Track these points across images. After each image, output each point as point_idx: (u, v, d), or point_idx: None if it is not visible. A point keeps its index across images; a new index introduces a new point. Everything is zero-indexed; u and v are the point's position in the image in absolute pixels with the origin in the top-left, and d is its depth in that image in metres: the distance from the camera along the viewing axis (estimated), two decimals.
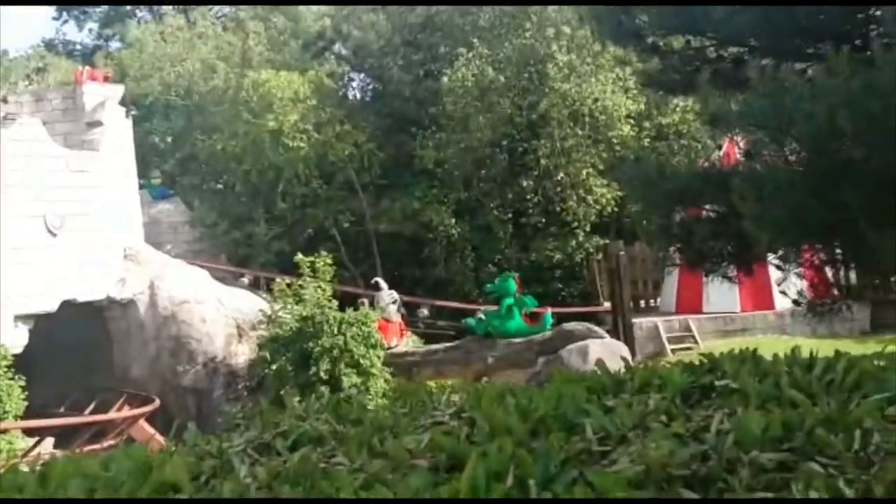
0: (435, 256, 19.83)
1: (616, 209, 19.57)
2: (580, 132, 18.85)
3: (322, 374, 12.69)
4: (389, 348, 14.24)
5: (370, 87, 23.72)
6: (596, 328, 13.55)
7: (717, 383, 1.81)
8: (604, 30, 5.93)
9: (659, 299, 17.71)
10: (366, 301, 15.44)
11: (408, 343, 15.57)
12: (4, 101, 15.63)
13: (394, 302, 15.41)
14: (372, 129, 20.68)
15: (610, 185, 19.31)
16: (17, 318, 13.11)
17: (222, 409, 13.61)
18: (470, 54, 18.79)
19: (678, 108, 19.91)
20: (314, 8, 25.19)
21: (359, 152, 20.03)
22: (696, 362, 2.06)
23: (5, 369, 11.46)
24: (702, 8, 4.83)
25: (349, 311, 13.65)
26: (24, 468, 1.70)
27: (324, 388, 12.70)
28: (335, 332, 13.04)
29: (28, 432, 11.63)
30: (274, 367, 13.08)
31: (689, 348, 14.81)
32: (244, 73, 20.78)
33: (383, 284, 16.06)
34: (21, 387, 11.55)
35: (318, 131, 19.72)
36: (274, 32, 22.48)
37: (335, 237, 20.03)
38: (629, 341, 14.21)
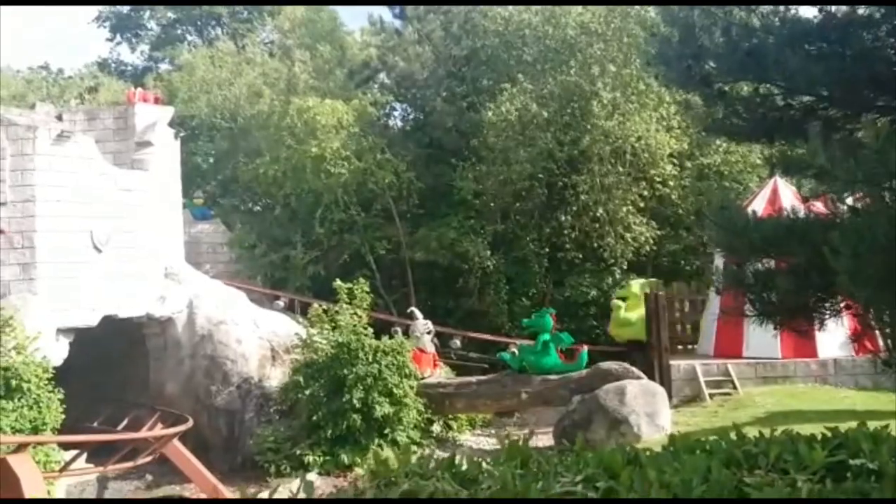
0: (469, 287, 19.78)
1: (654, 248, 19.41)
2: (621, 169, 18.79)
3: (355, 401, 12.66)
4: (422, 378, 14.16)
5: (412, 116, 23.95)
6: (633, 368, 13.34)
7: (851, 462, 1.73)
8: (670, 75, 5.91)
9: (697, 342, 17.39)
10: (399, 329, 15.42)
11: (440, 374, 15.47)
12: (59, 118, 16.06)
13: (428, 332, 15.37)
14: (412, 159, 20.84)
15: (649, 224, 19.19)
16: (60, 331, 13.32)
17: (254, 431, 13.61)
18: (514, 89, 18.90)
19: (720, 149, 19.80)
20: (360, 37, 25.64)
21: (398, 181, 20.19)
22: (818, 435, 1.97)
23: (46, 381, 11.60)
24: (774, 55, 4.79)
25: (384, 339, 13.63)
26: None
27: (356, 416, 12.71)
28: (370, 359, 13.03)
29: (64, 445, 11.73)
30: (307, 392, 13.08)
31: (727, 394, 14.50)
32: (289, 100, 21.12)
33: (418, 314, 16.04)
34: (60, 399, 11.68)
35: (359, 158, 19.92)
36: (320, 61, 22.85)
37: (370, 264, 20.11)
38: (666, 384, 13.95)
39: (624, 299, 17.06)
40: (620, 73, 18.43)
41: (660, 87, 18.02)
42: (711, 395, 14.36)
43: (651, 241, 19.10)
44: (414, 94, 23.00)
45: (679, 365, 14.98)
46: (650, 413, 12.29)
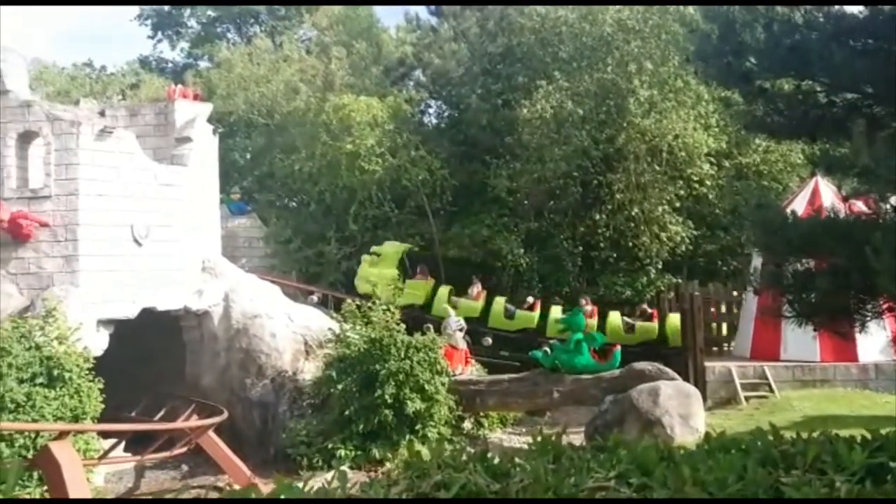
0: (502, 285, 19.73)
1: (690, 248, 19.16)
2: (658, 168, 18.59)
3: (387, 397, 12.71)
4: (454, 375, 14.17)
5: (446, 114, 23.98)
6: (667, 369, 13.18)
7: (892, 465, 1.69)
8: (710, 71, 5.82)
9: (733, 343, 17.14)
10: (431, 326, 15.45)
11: (472, 371, 15.47)
12: (102, 114, 16.40)
13: (461, 329, 15.37)
14: (446, 156, 20.87)
15: (685, 223, 18.95)
16: (100, 322, 13.61)
17: (287, 424, 13.75)
18: (549, 86, 18.80)
19: (759, 148, 19.47)
20: (396, 34, 25.74)
21: (432, 178, 20.23)
22: (857, 438, 1.93)
23: (86, 371, 11.86)
24: (818, 51, 4.68)
25: (417, 335, 13.67)
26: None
27: (387, 412, 12.77)
28: (402, 355, 13.07)
29: (103, 434, 12.00)
30: (339, 386, 13.17)
31: (763, 396, 14.28)
32: (325, 96, 21.30)
33: (451, 311, 16.05)
34: (99, 389, 11.93)
35: (393, 155, 20.01)
36: (356, 58, 22.99)
37: (403, 260, 20.18)
38: (701, 385, 13.76)
39: (378, 255, 18.39)
40: (658, 70, 18.22)
41: (698, 84, 17.80)
42: (747, 398, 14.15)
43: (687, 241, 18.87)
44: (449, 91, 23.03)
45: (714, 367, 14.79)
46: (684, 415, 12.13)
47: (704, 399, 13.25)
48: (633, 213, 18.74)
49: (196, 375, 15.41)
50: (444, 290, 17.87)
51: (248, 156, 25.61)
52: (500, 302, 17.73)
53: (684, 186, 18.86)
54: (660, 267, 19.15)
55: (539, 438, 2.01)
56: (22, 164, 13.91)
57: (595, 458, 1.91)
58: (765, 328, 14.63)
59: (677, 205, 18.89)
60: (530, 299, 17.88)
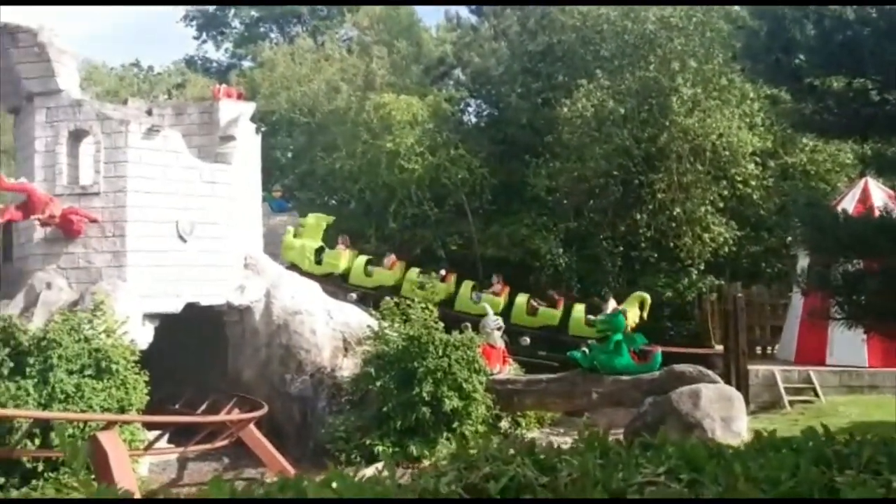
0: (540, 284, 19.65)
1: (734, 249, 18.84)
2: (700, 168, 18.30)
3: (424, 394, 12.76)
4: (492, 374, 14.16)
5: (486, 112, 23.98)
6: (708, 372, 12.98)
7: None
8: (757, 69, 5.71)
9: (777, 347, 16.81)
10: (469, 325, 15.45)
11: (510, 371, 15.44)
12: (149, 113, 16.77)
13: (499, 328, 15.35)
14: (485, 155, 20.86)
15: (728, 224, 18.64)
16: (146, 316, 13.92)
17: (325, 419, 13.90)
18: (590, 85, 18.65)
19: (807, 148, 19.05)
20: (436, 33, 25.82)
21: (471, 177, 20.24)
22: None
23: (133, 364, 12.15)
24: (871, 47, 4.56)
25: (455, 333, 13.70)
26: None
27: (425, 409, 12.83)
28: (440, 353, 13.11)
29: (148, 425, 12.28)
30: (378, 383, 13.26)
31: (808, 401, 13.98)
32: (366, 96, 21.47)
33: (489, 310, 16.05)
34: (145, 381, 12.21)
35: (432, 154, 20.07)
36: (396, 57, 23.13)
37: (442, 259, 20.24)
38: (743, 389, 13.52)
39: (302, 227, 19.28)
40: (702, 68, 17.94)
41: (744, 82, 17.49)
42: (791, 403, 13.87)
43: (730, 242, 18.56)
44: (489, 90, 23.02)
45: (757, 370, 14.52)
46: (725, 418, 11.94)
47: (747, 403, 13.02)
48: (674, 214, 18.49)
49: (238, 370, 15.66)
50: (360, 260, 18.88)
51: (290, 154, 25.96)
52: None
53: (728, 186, 18.55)
54: (702, 268, 18.87)
55: (585, 434, 2.01)
56: (73, 162, 14.29)
57: (642, 454, 1.90)
58: (810, 331, 14.32)
59: (721, 205, 18.58)
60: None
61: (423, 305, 14.25)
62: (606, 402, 13.93)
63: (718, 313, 17.34)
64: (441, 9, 36.48)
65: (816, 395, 14.02)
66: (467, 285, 18.48)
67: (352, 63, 24.00)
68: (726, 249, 18.53)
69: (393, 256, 18.91)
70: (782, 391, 14.02)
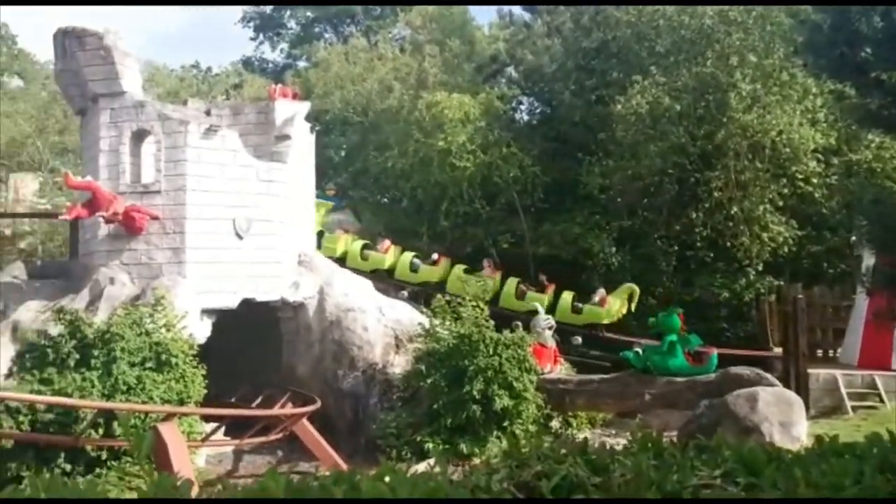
0: (592, 283, 19.44)
1: (794, 249, 18.30)
2: (759, 165, 17.82)
3: (475, 392, 12.77)
4: (543, 374, 14.08)
5: (539, 110, 23.83)
6: (766, 375, 12.65)
7: None
8: (820, 63, 5.55)
9: (839, 350, 16.28)
10: (520, 324, 15.39)
11: (561, 370, 15.33)
12: (207, 113, 17.18)
13: (550, 327, 15.25)
14: (538, 153, 20.74)
15: (789, 223, 18.11)
16: (204, 311, 14.28)
17: (377, 416, 14.03)
18: (645, 81, 18.35)
19: (872, 144, 18.36)
20: (489, 31, 25.77)
21: (523, 175, 20.15)
22: None
23: (191, 357, 12.47)
24: None
25: (505, 332, 13.67)
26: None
27: (476, 407, 12.84)
28: (491, 352, 13.09)
29: (205, 417, 12.59)
30: (429, 380, 13.33)
31: (872, 407, 13.51)
32: (418, 94, 21.57)
33: (540, 309, 15.96)
34: (202, 375, 12.52)
35: (484, 152, 20.05)
36: (449, 55, 23.17)
37: (493, 257, 20.20)
38: (803, 393, 13.13)
39: None
40: (762, 63, 17.46)
41: (806, 77, 16.97)
42: (854, 408, 13.43)
43: (790, 242, 18.02)
44: (541, 87, 22.87)
45: (818, 374, 14.10)
46: (784, 423, 11.59)
47: (807, 408, 12.63)
48: (732, 212, 18.05)
49: (291, 365, 15.93)
50: (356, 244, 19.52)
51: (343, 153, 26.28)
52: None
53: (788, 185, 18.01)
54: (760, 268, 18.37)
55: (639, 435, 1.98)
56: (135, 161, 14.74)
57: (697, 456, 1.86)
58: (875, 335, 13.84)
59: (780, 204, 18.05)
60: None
61: (474, 303, 14.27)
62: (659, 404, 13.71)
63: (777, 315, 16.90)
64: (494, 8, 36.43)
65: (881, 400, 13.56)
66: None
67: (404, 62, 24.15)
68: (786, 249, 18.00)
69: (387, 242, 19.63)
70: (844, 396, 13.59)
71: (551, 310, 17.59)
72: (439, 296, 15.52)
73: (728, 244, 18.32)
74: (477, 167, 19.92)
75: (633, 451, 1.85)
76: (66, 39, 14.76)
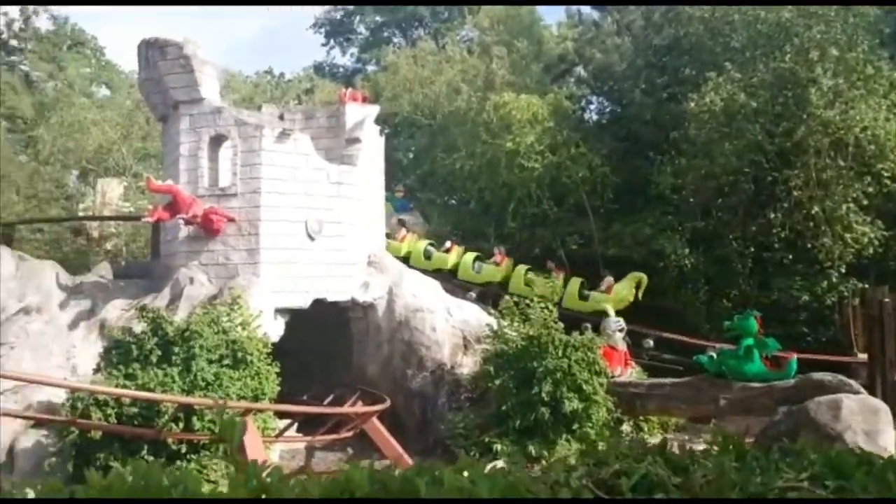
0: (664, 286, 19.06)
1: (880, 250, 17.49)
2: (842, 163, 17.10)
3: (543, 394, 12.68)
4: (613, 377, 13.87)
5: (608, 109, 23.51)
6: (850, 381, 12.11)
7: None
8: None
9: None
10: (589, 326, 15.22)
11: (632, 374, 15.08)
12: (281, 117, 17.64)
13: (620, 330, 15.02)
14: (607, 153, 20.46)
15: (874, 223, 17.32)
16: (277, 310, 14.65)
17: (445, 416, 14.11)
18: (719, 78, 17.87)
19: None
20: (557, 31, 25.58)
21: (592, 175, 19.92)
22: None
23: (265, 355, 12.81)
24: None
25: (575, 334, 13.53)
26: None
27: (544, 409, 12.75)
28: (559, 354, 12.98)
29: (279, 414, 12.92)
30: (497, 382, 13.31)
31: None
32: (486, 96, 21.59)
33: (611, 311, 15.74)
34: (276, 373, 12.85)
35: (552, 153, 19.91)
36: (516, 56, 23.12)
37: (562, 258, 20.05)
38: (890, 400, 12.50)
39: None
40: (844, 56, 16.75)
41: (892, 70, 16.19)
42: None
43: (876, 243, 17.23)
44: (611, 86, 22.57)
45: None
46: (869, 432, 11.07)
47: (894, 416, 12.03)
48: (812, 212, 17.38)
49: (362, 364, 16.17)
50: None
51: (412, 155, 26.55)
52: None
53: (873, 183, 17.22)
54: (843, 270, 17.63)
55: (719, 437, 1.95)
56: (213, 165, 15.25)
57: (782, 459, 1.81)
58: None
59: (865, 203, 17.27)
60: (609, 279, 18.22)
61: (543, 305, 14.18)
62: (734, 410, 13.30)
63: (862, 319, 16.17)
64: (562, 7, 36.14)
65: None
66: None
67: (472, 64, 24.22)
68: (871, 250, 17.22)
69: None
70: None
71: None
72: (507, 297, 15.50)
73: (808, 245, 17.67)
74: (545, 168, 19.80)
75: (713, 453, 1.82)
76: (149, 50, 15.40)
